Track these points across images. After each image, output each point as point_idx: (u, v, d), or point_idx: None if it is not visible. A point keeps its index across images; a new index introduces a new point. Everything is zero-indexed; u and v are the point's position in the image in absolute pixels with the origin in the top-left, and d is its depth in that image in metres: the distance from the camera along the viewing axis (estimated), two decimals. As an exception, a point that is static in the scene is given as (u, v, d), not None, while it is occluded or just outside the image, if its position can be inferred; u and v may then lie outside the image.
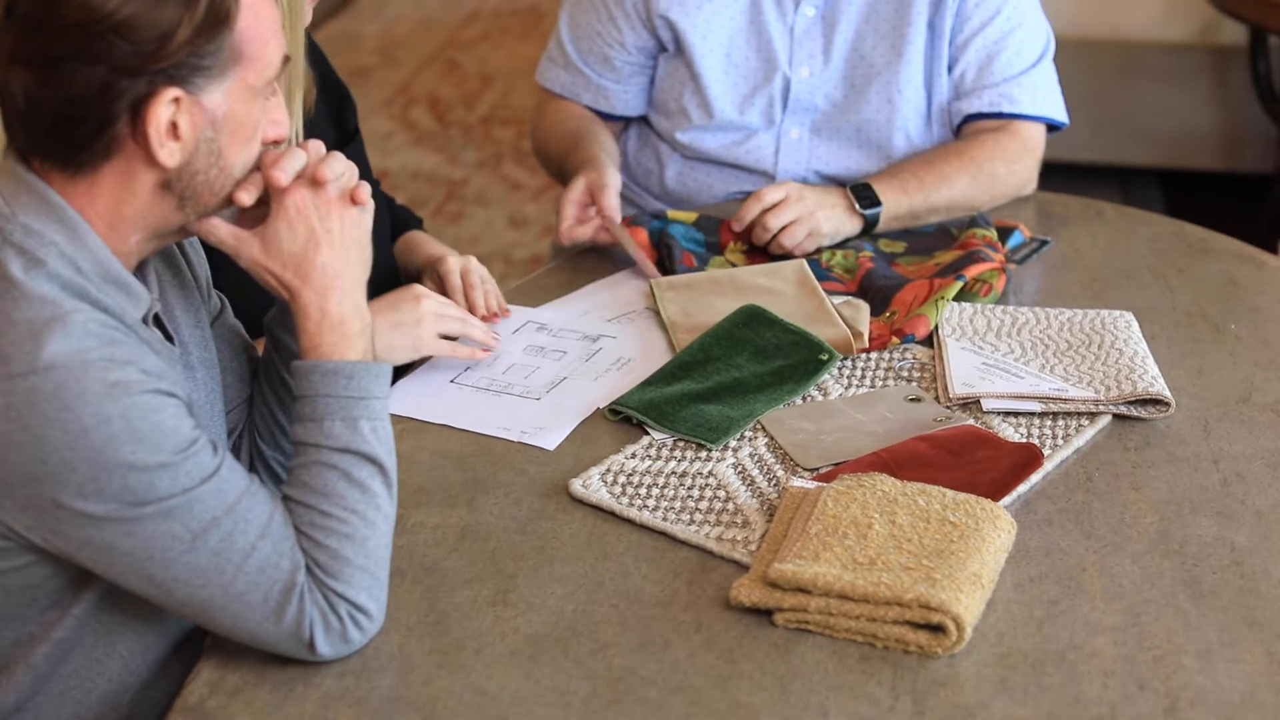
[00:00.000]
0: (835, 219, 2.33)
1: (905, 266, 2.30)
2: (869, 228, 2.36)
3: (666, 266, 2.29)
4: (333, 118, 2.23)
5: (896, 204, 2.35)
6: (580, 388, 2.02)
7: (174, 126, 1.46)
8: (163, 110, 1.45)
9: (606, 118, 2.63)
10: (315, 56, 2.22)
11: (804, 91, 2.51)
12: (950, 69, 2.51)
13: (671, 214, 2.40)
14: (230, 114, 1.50)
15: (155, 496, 1.45)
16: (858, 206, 2.34)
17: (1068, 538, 1.73)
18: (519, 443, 1.92)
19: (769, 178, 2.55)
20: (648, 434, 1.91)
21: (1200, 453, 1.89)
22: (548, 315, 2.21)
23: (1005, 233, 2.35)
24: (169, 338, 1.61)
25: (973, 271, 2.18)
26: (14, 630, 1.58)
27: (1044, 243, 2.37)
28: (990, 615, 1.60)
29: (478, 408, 1.99)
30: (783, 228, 2.29)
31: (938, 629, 1.55)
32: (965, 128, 2.51)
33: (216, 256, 1.70)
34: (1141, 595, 1.65)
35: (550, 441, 1.91)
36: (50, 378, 1.41)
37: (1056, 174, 2.55)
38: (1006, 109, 2.47)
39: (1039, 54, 2.52)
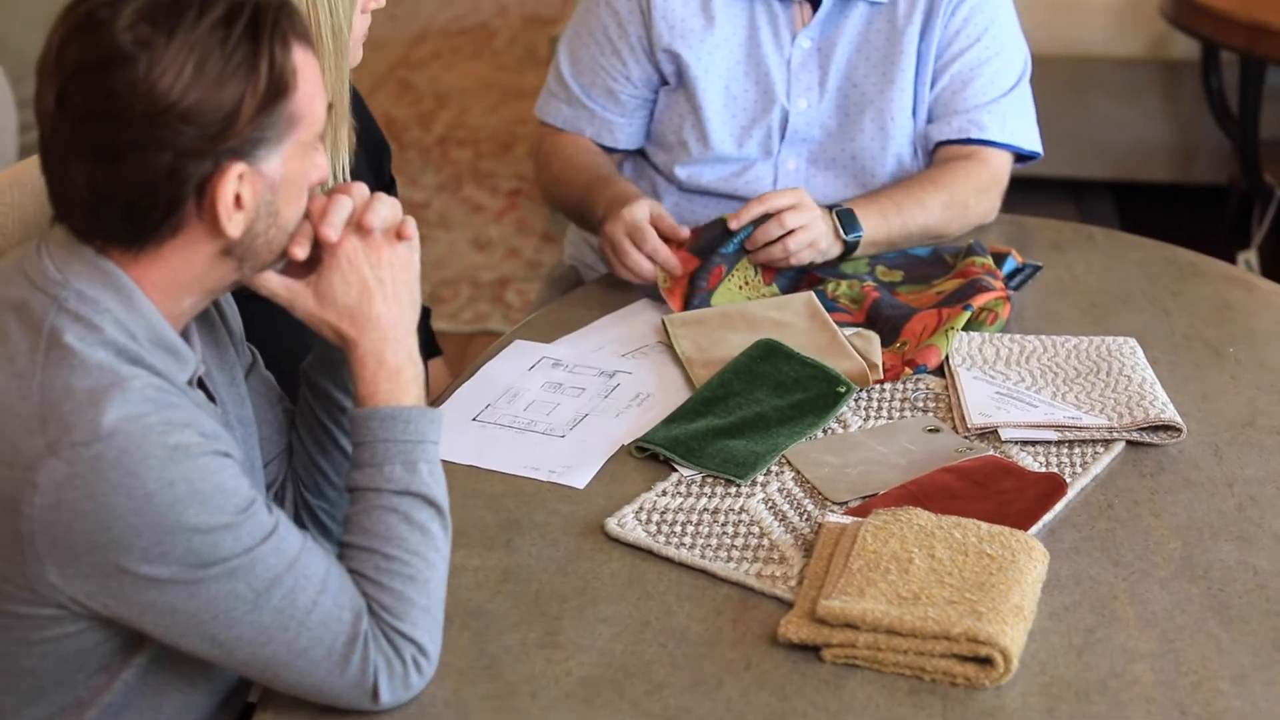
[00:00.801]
0: (828, 237, 2.35)
1: (906, 295, 2.34)
2: (846, 253, 2.39)
3: (695, 286, 2.31)
4: (372, 168, 2.26)
5: (875, 230, 2.38)
6: (603, 424, 2.05)
7: (237, 198, 1.48)
8: (229, 186, 1.47)
9: (607, 151, 2.65)
10: (358, 107, 2.24)
11: (801, 123, 2.55)
12: (929, 90, 2.55)
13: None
14: (286, 175, 1.52)
15: (219, 557, 1.46)
16: (842, 233, 2.36)
17: (1096, 566, 1.78)
18: (549, 482, 1.94)
19: None
20: (675, 470, 1.94)
21: (1214, 477, 1.94)
22: (561, 351, 2.23)
23: (998, 259, 2.39)
24: (211, 398, 1.63)
25: (979, 301, 2.22)
26: (62, 695, 1.59)
27: (1037, 268, 2.42)
28: (1031, 645, 1.64)
29: (502, 446, 2.01)
30: (789, 232, 2.31)
31: (985, 661, 1.59)
32: (936, 153, 2.55)
33: (240, 298, 1.73)
34: (1173, 621, 1.69)
35: (579, 480, 1.94)
36: (113, 444, 1.42)
37: (1011, 189, 2.58)
38: (975, 135, 2.51)
39: (1013, 82, 2.56)
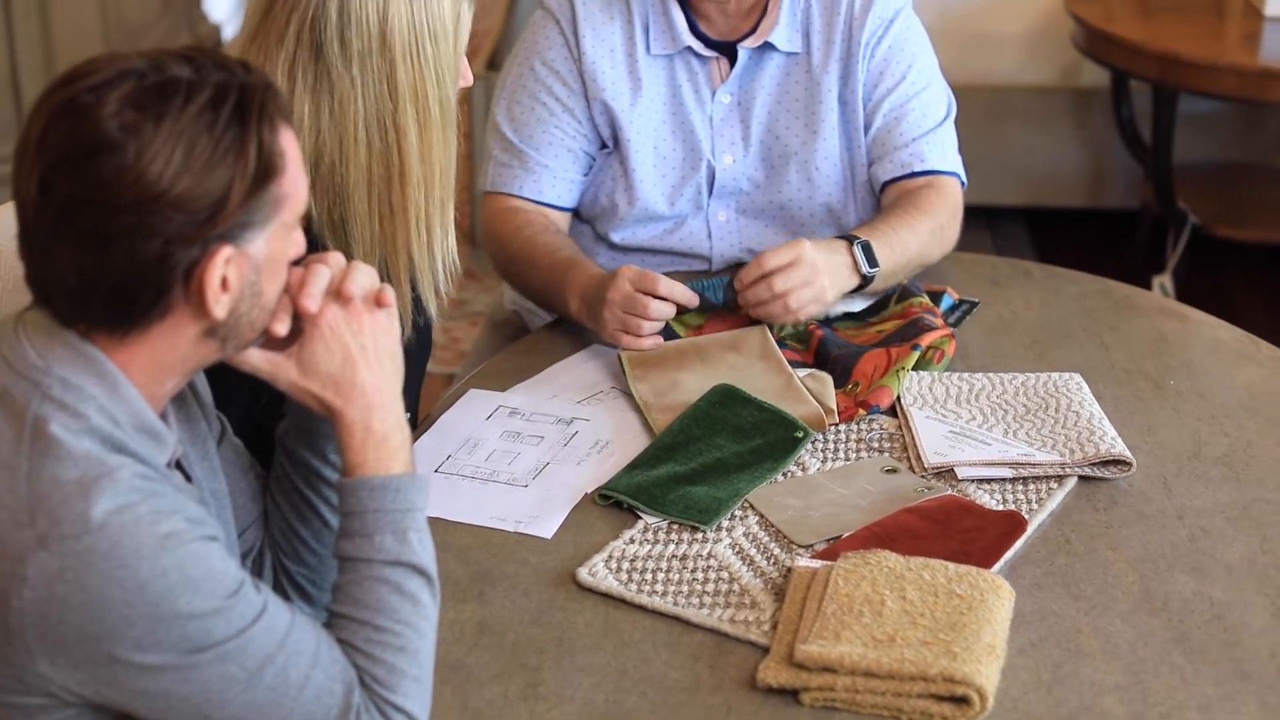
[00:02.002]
0: (840, 282, 2.32)
1: (845, 332, 2.38)
2: (860, 288, 2.37)
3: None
4: None
5: (884, 260, 2.37)
6: (565, 473, 2.07)
7: (224, 280, 1.47)
8: (217, 270, 1.46)
9: (556, 210, 2.61)
10: None
11: (728, 178, 2.58)
12: (865, 134, 2.58)
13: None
14: (270, 255, 1.51)
15: (212, 642, 1.46)
16: (864, 267, 2.34)
17: (1058, 601, 1.82)
18: (516, 533, 1.96)
19: (705, 260, 2.61)
20: (640, 518, 1.97)
21: (1165, 509, 1.99)
22: (518, 400, 2.25)
23: (935, 297, 2.44)
24: (188, 477, 1.63)
25: (926, 340, 2.26)
26: None
27: (974, 304, 2.47)
28: (1002, 682, 1.68)
29: (466, 497, 2.03)
30: (788, 291, 2.28)
31: (961, 700, 1.63)
32: (887, 192, 2.57)
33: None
34: (1137, 654, 1.74)
35: (547, 530, 1.96)
36: (105, 536, 1.42)
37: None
38: (918, 167, 2.55)
39: (944, 113, 2.61)
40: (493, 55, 4.94)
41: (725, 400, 2.17)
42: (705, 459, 2.06)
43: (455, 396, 2.27)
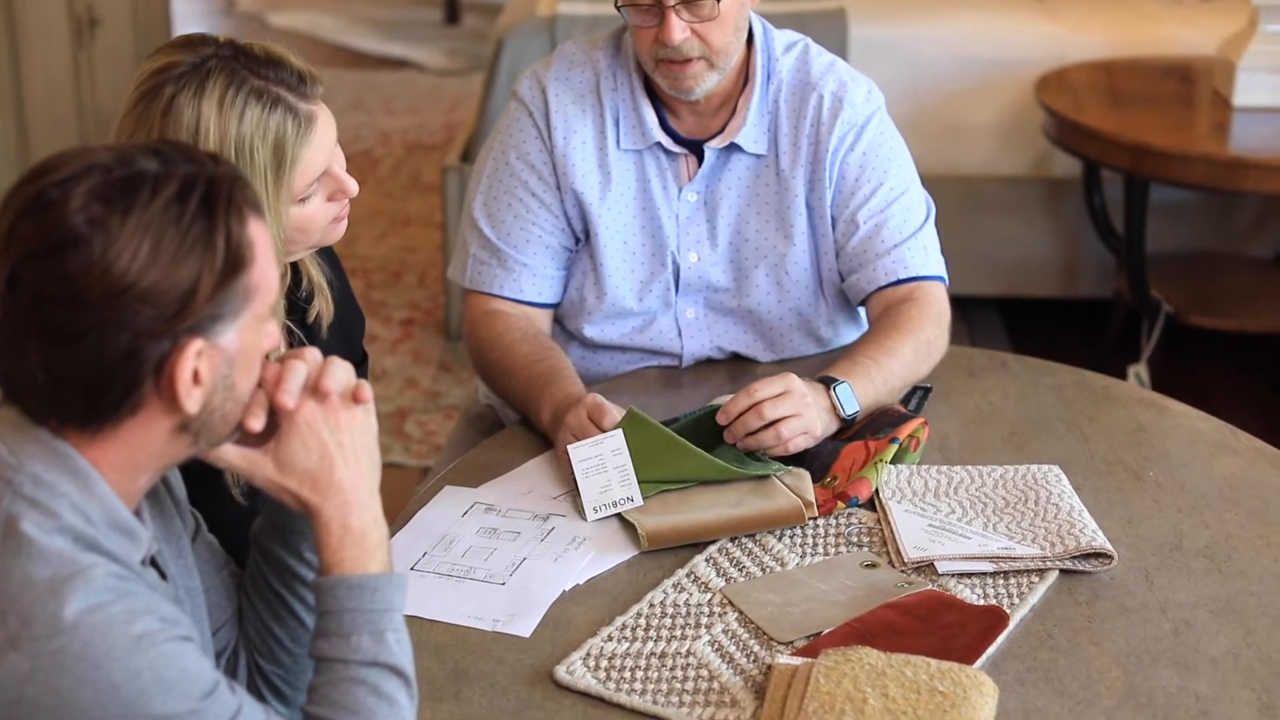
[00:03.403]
0: (824, 419, 2.28)
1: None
2: (844, 429, 2.33)
3: None
4: (345, 339, 2.27)
5: (864, 396, 2.33)
6: (542, 569, 2.05)
7: (195, 374, 1.46)
8: (188, 364, 1.45)
9: (538, 307, 2.61)
10: (339, 278, 2.27)
11: (694, 275, 2.57)
12: (838, 242, 2.56)
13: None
14: (242, 347, 1.50)
15: None
16: (842, 411, 2.30)
17: (1042, 698, 1.80)
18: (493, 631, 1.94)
19: (676, 358, 2.61)
20: (619, 615, 1.94)
21: (1147, 603, 1.97)
22: (493, 496, 2.23)
23: None
24: (163, 575, 1.61)
25: (903, 431, 2.26)
26: None
27: (928, 390, 2.47)
28: (987, 781, 1.66)
29: (443, 595, 2.01)
30: (779, 419, 2.24)
31: (946, 801, 1.61)
32: (873, 300, 2.54)
33: None
34: (1123, 751, 1.72)
35: (525, 629, 1.94)
36: (77, 637, 1.40)
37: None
38: (903, 274, 2.53)
39: (924, 215, 2.60)
40: (466, 148, 4.96)
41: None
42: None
43: (430, 493, 2.25)
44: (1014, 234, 4.83)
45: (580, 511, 2.16)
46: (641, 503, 2.15)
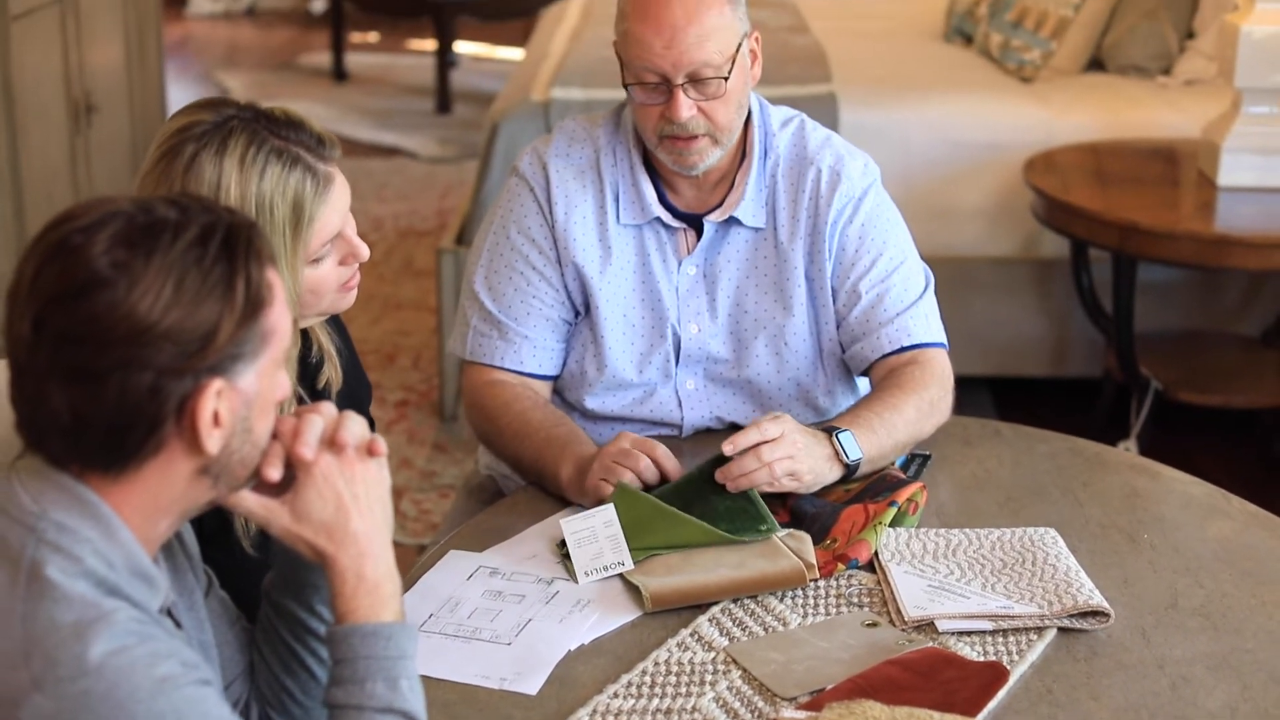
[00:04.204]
0: (817, 467, 2.31)
1: (818, 491, 2.40)
2: (846, 476, 2.37)
3: None
4: (354, 407, 2.31)
5: (869, 447, 2.37)
6: (548, 629, 2.08)
7: (215, 415, 1.50)
8: (209, 403, 1.49)
9: (539, 379, 2.65)
10: (346, 346, 2.31)
11: (694, 347, 2.62)
12: (840, 313, 2.61)
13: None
14: (259, 391, 1.55)
15: None
16: (845, 457, 2.33)
17: (1043, 751, 1.83)
18: (500, 689, 1.96)
19: (676, 428, 2.64)
20: (624, 673, 1.97)
21: (1145, 659, 2.00)
22: (497, 560, 2.26)
23: None
24: (178, 624, 1.64)
25: (901, 495, 2.29)
26: None
27: (926, 458, 2.50)
28: (990, 831, 1.68)
29: (450, 655, 2.03)
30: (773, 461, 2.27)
31: None
32: (876, 368, 2.58)
33: None
34: (1123, 802, 1.75)
35: (531, 686, 1.96)
36: (102, 679, 1.42)
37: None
38: (906, 342, 2.57)
39: (924, 284, 2.65)
40: (461, 231, 5.01)
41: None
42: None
43: (435, 558, 2.28)
44: (1003, 314, 4.88)
45: (573, 577, 2.19)
46: (632, 567, 2.18)
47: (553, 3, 7.43)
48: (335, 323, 2.33)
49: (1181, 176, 4.42)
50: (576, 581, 2.17)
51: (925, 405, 2.49)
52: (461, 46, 10.05)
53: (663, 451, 2.35)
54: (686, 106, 2.46)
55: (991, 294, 4.86)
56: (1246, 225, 4.04)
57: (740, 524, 2.21)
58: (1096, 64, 5.35)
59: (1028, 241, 4.84)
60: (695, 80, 2.45)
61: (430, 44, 9.75)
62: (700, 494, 2.26)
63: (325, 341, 2.25)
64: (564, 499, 2.41)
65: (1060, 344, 4.94)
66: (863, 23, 6.25)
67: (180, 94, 8.41)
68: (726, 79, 2.46)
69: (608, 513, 2.23)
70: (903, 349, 2.57)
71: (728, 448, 2.28)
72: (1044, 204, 4.32)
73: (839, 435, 2.34)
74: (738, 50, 2.48)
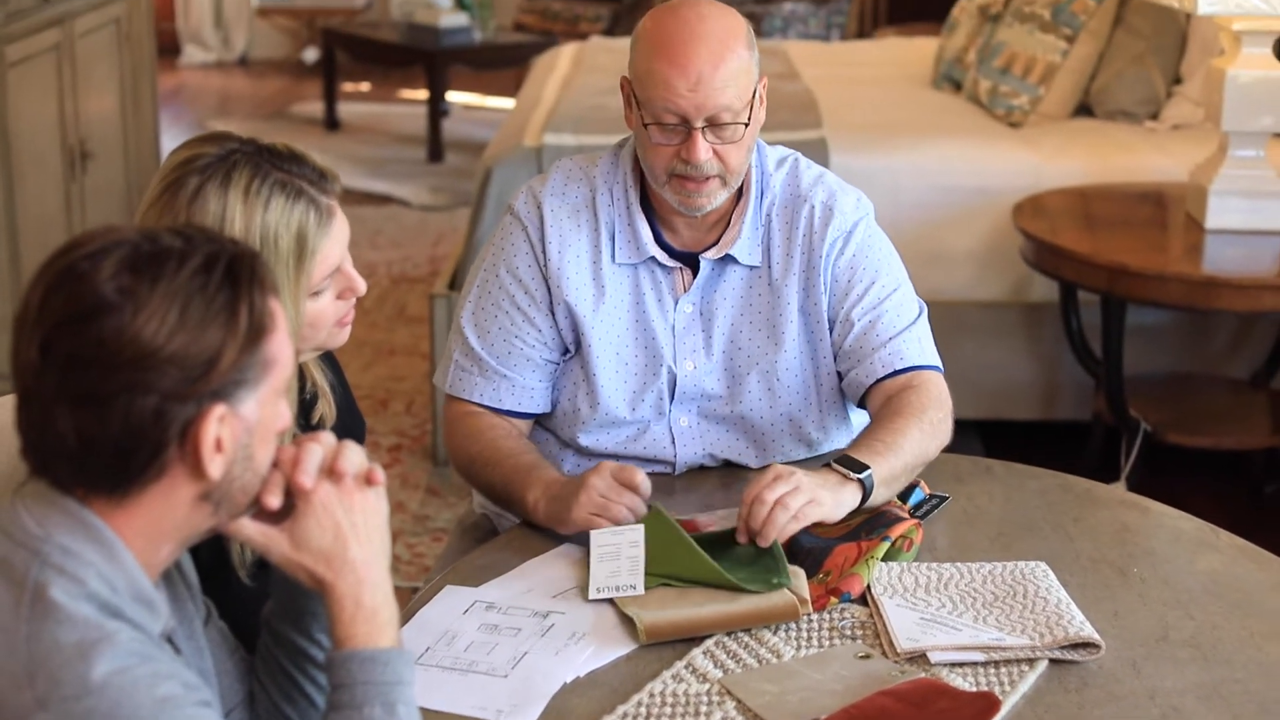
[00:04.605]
0: (831, 493, 2.32)
1: (814, 528, 2.41)
2: (866, 493, 2.37)
3: None
4: None
5: (878, 468, 2.38)
6: (543, 662, 2.09)
7: (218, 440, 1.53)
8: (212, 428, 1.52)
9: (526, 417, 2.68)
10: (340, 382, 2.33)
11: (690, 384, 2.64)
12: (836, 342, 2.64)
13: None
14: (260, 419, 1.57)
15: None
16: (850, 473, 2.35)
17: (1035, 779, 1.85)
18: (496, 721, 1.98)
19: (669, 465, 2.67)
20: (620, 705, 1.98)
21: (1136, 690, 2.02)
22: (493, 594, 2.27)
23: (907, 490, 2.49)
24: (177, 650, 1.66)
25: (896, 531, 2.31)
26: None
27: (943, 499, 2.52)
28: None
29: (446, 688, 2.04)
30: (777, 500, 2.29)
31: None
32: (872, 394, 2.61)
33: None
34: (1116, 830, 1.76)
35: (527, 718, 1.97)
36: (105, 698, 1.44)
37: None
38: (899, 365, 2.60)
39: (917, 310, 2.68)
40: (454, 276, 5.05)
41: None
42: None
43: (431, 593, 2.29)
44: (993, 358, 4.91)
45: (584, 590, 2.22)
46: (642, 592, 2.20)
47: (544, 51, 7.48)
48: (329, 360, 2.35)
49: (1169, 220, 4.46)
50: (585, 597, 2.21)
51: (928, 426, 2.51)
52: (453, 96, 10.12)
53: (641, 478, 2.37)
54: (704, 149, 2.49)
55: (981, 338, 4.89)
56: (1234, 267, 4.08)
57: (755, 574, 2.21)
58: (1085, 109, 5.41)
59: (1017, 285, 4.88)
60: (714, 124, 2.48)
61: (422, 93, 9.82)
62: (725, 539, 2.29)
63: (319, 378, 2.27)
64: (558, 536, 2.43)
65: (1050, 388, 4.97)
66: (852, 70, 6.30)
67: (174, 142, 8.41)
68: (746, 124, 2.49)
69: (637, 533, 2.28)
70: (897, 372, 2.59)
71: (741, 536, 2.30)
72: (1033, 247, 4.35)
73: (838, 461, 2.37)
74: (754, 95, 2.52)
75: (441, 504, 4.81)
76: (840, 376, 2.66)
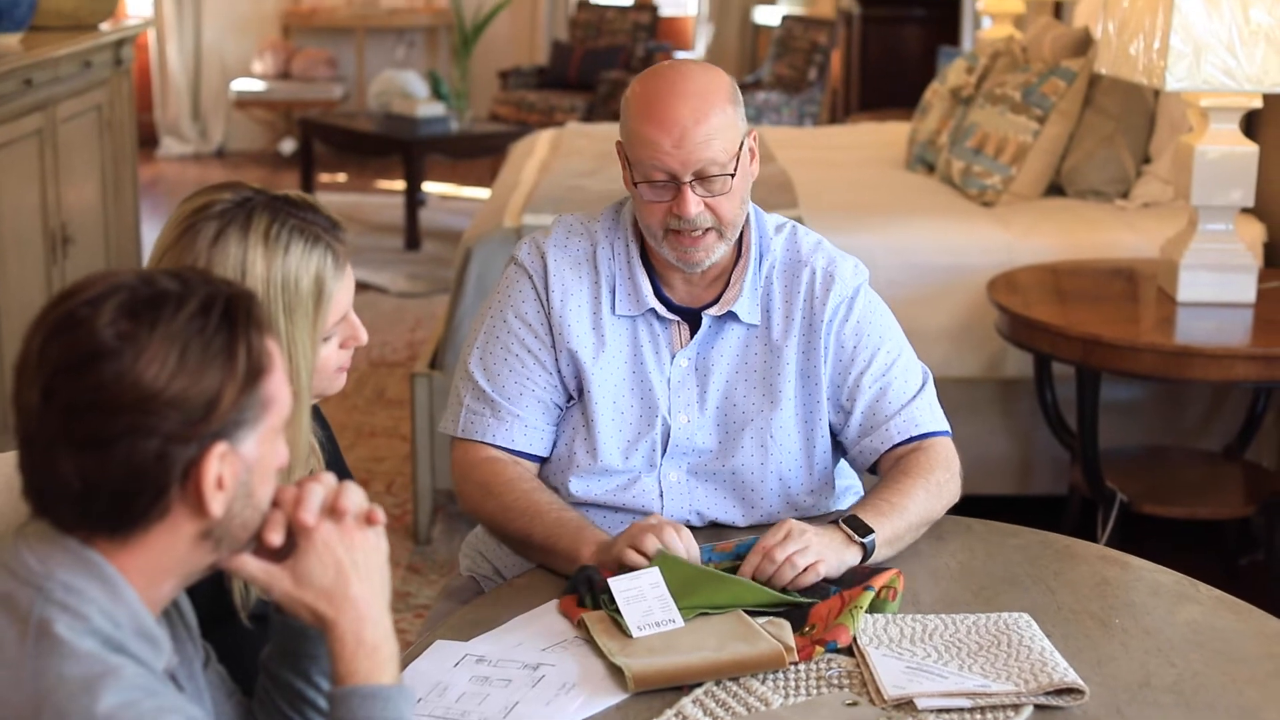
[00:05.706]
0: (836, 553, 2.39)
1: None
2: (866, 555, 2.44)
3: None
4: None
5: (881, 529, 2.45)
6: (535, 712, 2.11)
7: (219, 479, 1.56)
8: (213, 467, 1.54)
9: (527, 459, 2.71)
10: (328, 437, 2.37)
11: (682, 437, 2.68)
12: (845, 408, 2.69)
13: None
14: (260, 457, 1.60)
15: None
16: (855, 536, 2.42)
17: (1023, 818, 1.87)
18: (489, 767, 2.00)
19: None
20: (611, 751, 2.01)
21: (1120, 734, 2.05)
22: (484, 648, 2.30)
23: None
24: (180, 689, 1.68)
25: (878, 581, 2.34)
26: None
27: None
28: None
29: (438, 738, 2.06)
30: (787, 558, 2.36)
31: None
32: (884, 461, 2.68)
33: None
34: None
35: (520, 765, 2.00)
36: None
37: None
38: (914, 432, 2.67)
39: (922, 375, 2.75)
40: (434, 356, 5.08)
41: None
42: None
43: (421, 647, 2.31)
44: (968, 433, 4.93)
45: (625, 631, 2.26)
46: (682, 624, 2.26)
47: (519, 139, 7.56)
48: (317, 416, 2.38)
49: (1141, 293, 4.52)
50: (630, 636, 2.24)
51: (933, 486, 2.58)
52: (429, 186, 10.20)
53: (688, 535, 2.42)
54: (694, 203, 2.55)
55: (956, 414, 4.85)
56: (1206, 338, 4.13)
57: (765, 593, 2.31)
58: (1056, 188, 5.49)
59: (991, 362, 4.93)
60: (702, 178, 2.55)
61: (399, 184, 9.90)
62: (729, 572, 2.37)
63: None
64: (547, 593, 2.45)
65: (1025, 462, 5.01)
66: (827, 153, 6.39)
67: (155, 229, 8.49)
68: (733, 176, 2.55)
69: (653, 575, 2.32)
70: (910, 439, 2.67)
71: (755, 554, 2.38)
72: (1007, 320, 4.41)
73: (845, 521, 2.44)
74: (740, 148, 2.58)
75: (423, 581, 4.83)
76: (834, 437, 2.72)
